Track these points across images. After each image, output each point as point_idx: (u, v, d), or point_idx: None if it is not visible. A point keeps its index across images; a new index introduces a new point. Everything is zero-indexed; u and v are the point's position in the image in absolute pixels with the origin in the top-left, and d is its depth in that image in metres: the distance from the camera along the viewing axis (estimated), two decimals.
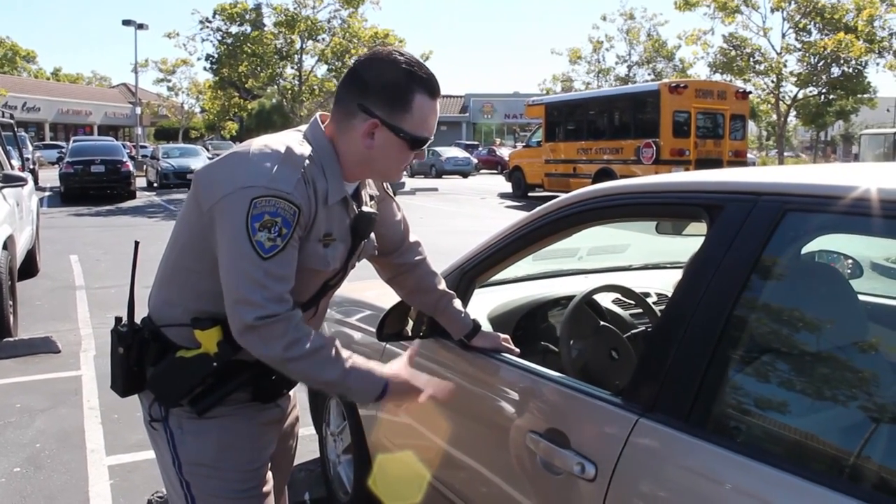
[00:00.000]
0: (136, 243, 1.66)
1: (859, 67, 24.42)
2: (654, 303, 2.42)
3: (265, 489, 1.63)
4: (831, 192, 1.31)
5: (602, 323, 2.12)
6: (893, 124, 44.23)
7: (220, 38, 24.62)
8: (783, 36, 25.16)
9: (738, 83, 22.70)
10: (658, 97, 15.50)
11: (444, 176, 28.99)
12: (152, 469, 2.64)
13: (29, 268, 7.68)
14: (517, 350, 1.90)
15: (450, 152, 30.84)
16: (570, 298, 2.22)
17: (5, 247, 5.52)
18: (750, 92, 19.24)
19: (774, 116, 27.70)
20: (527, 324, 2.37)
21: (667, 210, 1.76)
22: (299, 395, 1.90)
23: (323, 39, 24.56)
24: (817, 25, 24.37)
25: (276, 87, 26.68)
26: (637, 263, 3.09)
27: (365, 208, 1.60)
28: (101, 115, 49.96)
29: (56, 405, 4.18)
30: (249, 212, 1.35)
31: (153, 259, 1.68)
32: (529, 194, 19.83)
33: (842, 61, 24.04)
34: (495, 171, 32.10)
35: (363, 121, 1.46)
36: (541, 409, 1.73)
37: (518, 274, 2.67)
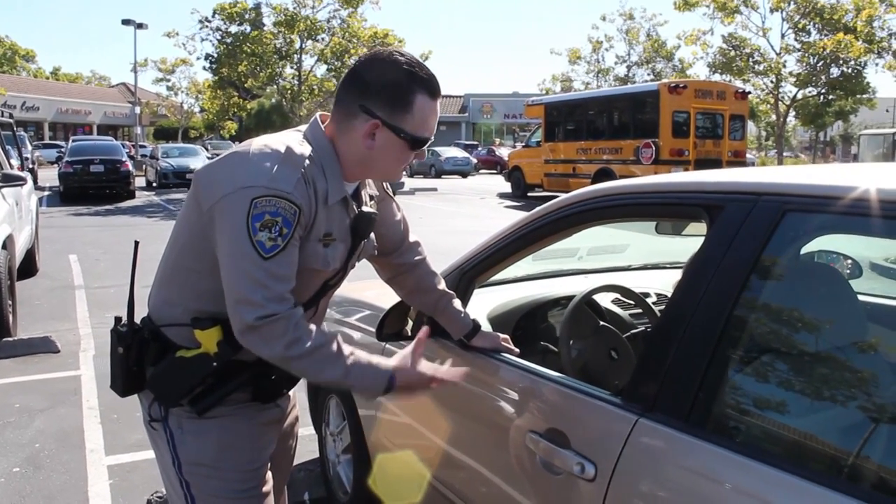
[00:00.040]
0: (136, 243, 1.66)
1: (858, 68, 24.44)
2: (653, 303, 2.42)
3: (265, 489, 1.63)
4: (831, 192, 1.31)
5: (602, 323, 2.12)
6: (892, 125, 44.27)
7: (219, 37, 24.62)
8: (782, 36, 25.20)
9: (738, 83, 22.72)
10: (657, 97, 15.50)
11: (443, 176, 29.00)
12: (152, 469, 2.64)
13: (28, 267, 7.68)
14: (517, 350, 1.90)
15: (449, 152, 30.84)
16: (569, 298, 2.22)
17: (4, 246, 5.52)
18: (749, 92, 19.26)
19: (774, 117, 27.72)
20: (526, 324, 2.37)
21: (667, 210, 1.76)
22: (299, 395, 1.90)
23: (322, 39, 24.56)
24: (816, 26, 24.39)
25: (275, 86, 26.70)
26: (636, 263, 3.10)
27: (365, 208, 1.60)
28: (101, 115, 49.94)
29: (55, 405, 4.18)
30: (250, 212, 1.35)
31: (153, 259, 1.68)
32: (529, 194, 19.83)
33: (841, 62, 24.07)
34: (495, 171, 32.09)
35: (364, 121, 1.46)
36: (540, 409, 1.73)
37: (518, 274, 2.67)
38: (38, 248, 8.38)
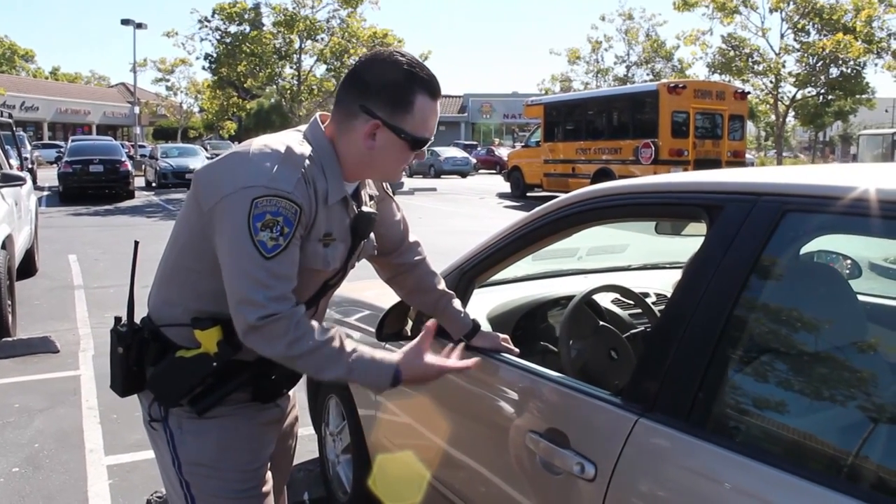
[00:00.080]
0: (136, 243, 1.66)
1: (858, 68, 24.46)
2: (653, 303, 2.42)
3: (265, 489, 1.63)
4: (830, 192, 1.31)
5: (601, 323, 2.12)
6: (892, 125, 44.29)
7: (218, 37, 24.61)
8: (782, 36, 25.21)
9: (737, 83, 22.72)
10: (657, 97, 15.51)
11: (442, 176, 29.00)
12: (151, 469, 2.65)
13: (27, 267, 7.68)
14: (517, 350, 1.90)
15: (448, 152, 30.84)
16: (569, 298, 2.22)
17: (4, 246, 5.52)
18: (748, 92, 19.27)
19: (773, 117, 27.73)
20: (526, 324, 2.37)
21: (666, 210, 1.77)
22: (299, 395, 1.90)
23: (322, 39, 24.56)
24: (816, 26, 24.40)
25: (274, 86, 26.69)
26: (636, 263, 3.10)
27: (365, 208, 1.60)
28: (100, 115, 49.93)
29: (55, 405, 4.18)
30: (251, 212, 1.35)
31: (152, 259, 1.68)
32: (528, 194, 19.84)
33: (840, 62, 24.08)
34: (494, 171, 32.08)
35: (365, 122, 1.46)
36: (540, 409, 1.73)
37: (518, 274, 2.67)
38: (37, 248, 8.38)
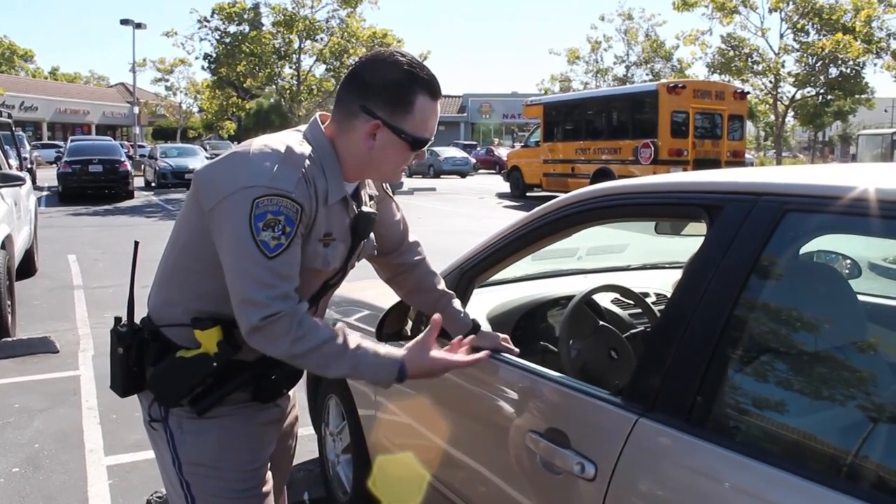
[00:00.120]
0: (136, 243, 1.66)
1: (857, 68, 24.48)
2: (653, 303, 2.42)
3: (265, 489, 1.63)
4: (830, 192, 1.31)
5: (601, 323, 2.12)
6: (891, 125, 44.31)
7: (218, 37, 24.61)
8: (781, 36, 25.23)
9: (737, 83, 22.73)
10: (656, 97, 15.51)
11: (442, 176, 28.99)
12: (151, 469, 2.65)
13: (27, 267, 7.68)
14: (517, 350, 1.90)
15: (448, 152, 30.84)
16: (569, 298, 2.22)
17: (3, 246, 5.52)
18: (748, 92, 19.28)
19: (772, 117, 27.75)
20: (526, 324, 2.37)
21: (666, 210, 1.77)
22: (299, 395, 1.90)
23: (321, 39, 24.56)
24: (815, 26, 24.42)
25: (274, 86, 26.69)
26: (636, 263, 3.10)
27: (364, 208, 1.60)
28: (99, 115, 49.91)
29: (54, 405, 4.17)
30: (252, 212, 1.35)
31: (152, 259, 1.68)
32: (528, 194, 19.84)
33: (840, 62, 24.10)
34: (493, 171, 32.09)
35: (365, 122, 1.46)
36: (540, 409, 1.73)
37: (517, 274, 2.67)
38: (36, 248, 8.38)
